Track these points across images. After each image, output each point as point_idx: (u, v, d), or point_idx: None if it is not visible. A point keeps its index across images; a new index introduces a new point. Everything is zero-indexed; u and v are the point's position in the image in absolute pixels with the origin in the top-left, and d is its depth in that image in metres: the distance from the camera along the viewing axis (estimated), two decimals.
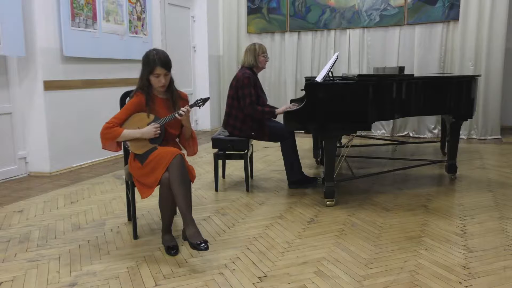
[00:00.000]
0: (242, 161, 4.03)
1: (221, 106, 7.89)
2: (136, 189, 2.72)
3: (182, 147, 2.87)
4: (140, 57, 2.70)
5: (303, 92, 3.83)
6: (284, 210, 3.36)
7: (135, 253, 2.61)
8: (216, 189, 3.92)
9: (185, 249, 2.63)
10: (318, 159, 4.92)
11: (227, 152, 3.88)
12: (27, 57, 4.38)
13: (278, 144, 3.92)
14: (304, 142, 5.89)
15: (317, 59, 7.28)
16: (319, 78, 3.75)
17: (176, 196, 2.47)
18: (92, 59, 5.03)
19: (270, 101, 4.08)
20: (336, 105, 3.32)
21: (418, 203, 3.45)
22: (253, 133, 3.83)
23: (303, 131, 3.61)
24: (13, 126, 4.46)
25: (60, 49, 4.61)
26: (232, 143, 3.81)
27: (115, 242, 2.78)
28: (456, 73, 6.25)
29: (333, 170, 3.41)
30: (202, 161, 5.21)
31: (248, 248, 2.64)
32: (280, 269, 2.36)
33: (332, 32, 7.07)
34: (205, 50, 7.59)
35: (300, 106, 3.42)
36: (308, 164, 4.89)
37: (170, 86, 2.74)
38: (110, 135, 2.63)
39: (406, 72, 4.36)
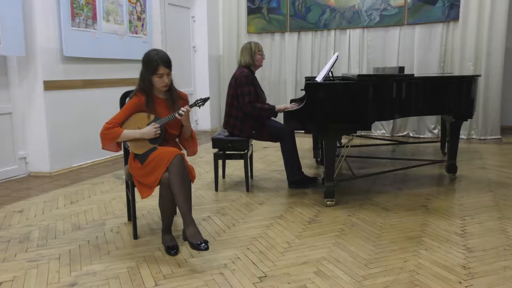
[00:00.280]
0: (242, 161, 4.03)
1: (221, 106, 7.89)
2: (136, 189, 2.72)
3: (182, 147, 2.87)
4: (140, 57, 2.70)
5: (303, 92, 3.83)
6: (284, 210, 3.36)
7: (135, 253, 2.61)
8: (216, 189, 3.92)
9: (185, 249, 2.63)
10: (318, 159, 4.92)
11: (227, 152, 3.88)
12: (27, 57, 4.38)
13: (278, 144, 3.92)
14: (304, 142, 5.89)
15: (317, 59, 7.28)
16: (319, 78, 3.75)
17: (176, 196, 2.47)
18: (92, 59, 5.03)
19: (270, 101, 4.08)
20: (336, 105, 3.32)
21: (418, 203, 3.45)
22: (253, 132, 3.83)
23: (303, 131, 3.61)
24: (13, 126, 4.46)
25: (60, 49, 4.61)
26: (232, 143, 3.81)
27: (115, 242, 2.78)
28: (456, 73, 6.25)
29: (333, 170, 3.41)
30: (202, 161, 5.21)
31: (248, 248, 2.64)
32: (280, 269, 2.36)
33: (332, 32, 7.07)
34: (205, 50, 7.59)
35: (300, 106, 3.42)
36: (308, 164, 4.89)
37: (170, 85, 2.74)
38: (110, 136, 2.63)
39: (406, 72, 4.37)
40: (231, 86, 3.88)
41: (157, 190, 2.58)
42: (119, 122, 2.66)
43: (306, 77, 5.28)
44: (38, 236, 2.90)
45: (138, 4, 5.68)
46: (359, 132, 6.39)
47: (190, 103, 2.74)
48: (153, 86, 2.69)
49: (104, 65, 5.24)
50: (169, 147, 2.65)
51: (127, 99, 2.82)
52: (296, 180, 3.93)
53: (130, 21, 5.53)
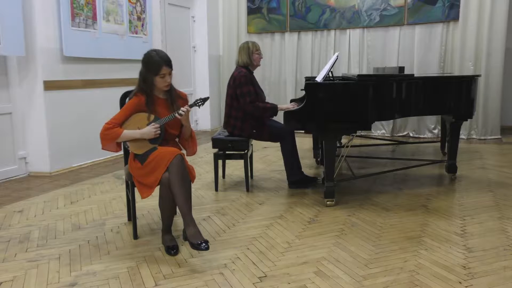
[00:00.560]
0: (242, 161, 4.03)
1: (221, 106, 7.89)
2: (136, 189, 2.72)
3: (181, 147, 2.87)
4: (140, 57, 2.70)
5: (303, 92, 3.83)
6: (284, 210, 3.36)
7: (135, 253, 2.61)
8: (216, 189, 3.92)
9: (185, 249, 2.63)
10: (318, 159, 4.92)
11: (227, 152, 3.88)
12: (27, 57, 4.38)
13: (278, 144, 3.92)
14: (304, 142, 5.89)
15: (317, 59, 7.27)
16: (319, 78, 3.75)
17: (176, 196, 2.47)
18: (92, 59, 5.03)
19: (270, 101, 4.07)
20: (336, 105, 3.32)
21: (418, 203, 3.45)
22: (254, 131, 3.83)
23: (303, 131, 3.61)
24: (13, 126, 4.46)
25: (60, 49, 4.61)
26: (232, 143, 3.81)
27: (115, 242, 2.78)
28: (456, 73, 6.25)
29: (333, 170, 3.41)
30: (202, 161, 5.21)
31: (248, 248, 2.64)
32: (280, 269, 2.36)
33: (332, 32, 7.07)
34: (205, 50, 7.59)
35: (300, 106, 3.42)
36: (308, 164, 4.89)
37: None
38: (110, 136, 2.64)
39: (406, 72, 4.37)
40: (230, 87, 3.88)
41: (157, 190, 2.58)
42: (119, 123, 2.66)
43: (306, 77, 5.28)
44: (38, 236, 2.90)
45: (138, 4, 5.68)
46: (359, 132, 6.39)
47: (189, 103, 2.74)
48: (154, 86, 2.69)
49: (104, 65, 5.24)
50: (169, 147, 2.65)
51: (127, 99, 2.82)
52: (296, 180, 3.93)
53: (130, 21, 5.53)
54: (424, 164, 4.53)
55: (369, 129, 3.42)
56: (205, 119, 7.75)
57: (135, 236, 2.83)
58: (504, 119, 6.78)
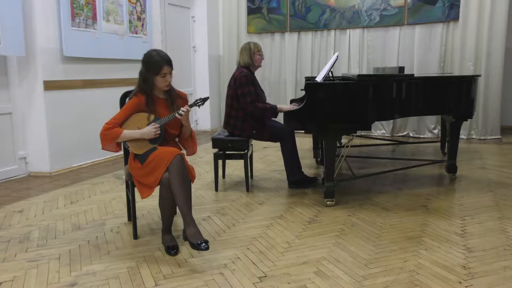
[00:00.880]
0: (242, 161, 4.03)
1: (221, 106, 7.89)
2: (136, 189, 2.72)
3: (181, 147, 2.87)
4: (140, 57, 2.70)
5: (303, 92, 3.83)
6: (284, 210, 3.36)
7: (135, 253, 2.61)
8: (216, 189, 3.92)
9: (185, 249, 2.63)
10: (318, 159, 4.92)
11: (227, 152, 3.88)
12: (27, 57, 4.38)
13: (278, 144, 3.92)
14: (304, 142, 5.89)
15: (317, 59, 7.27)
16: (319, 78, 3.75)
17: (176, 196, 2.47)
18: (92, 59, 5.03)
19: (270, 101, 4.08)
20: (336, 105, 3.32)
21: (418, 203, 3.45)
22: (254, 131, 3.83)
23: (303, 131, 3.61)
24: (13, 126, 4.46)
25: (60, 49, 4.61)
26: (232, 143, 3.81)
27: (115, 242, 2.78)
28: (456, 73, 6.25)
29: (333, 170, 3.41)
30: (202, 161, 5.21)
31: (248, 248, 2.64)
32: (280, 269, 2.36)
33: (332, 32, 7.07)
34: (205, 50, 7.59)
35: (300, 106, 3.42)
36: (308, 164, 4.89)
37: None
38: (110, 136, 2.64)
39: (406, 72, 4.37)
40: (230, 87, 3.88)
41: (157, 190, 2.58)
42: (119, 123, 2.66)
43: (306, 77, 5.28)
44: (38, 236, 2.90)
45: (138, 4, 5.68)
46: (359, 132, 6.40)
47: (189, 103, 2.74)
48: (155, 86, 2.69)
49: (104, 65, 5.24)
50: (169, 147, 2.65)
51: (127, 99, 2.82)
52: (296, 180, 3.93)
53: (130, 21, 5.53)
54: (424, 164, 4.53)
55: (369, 129, 3.42)
56: (205, 119, 7.75)
57: (135, 236, 2.83)
58: (504, 119, 6.78)
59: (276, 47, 7.50)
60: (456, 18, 6.33)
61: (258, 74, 4.06)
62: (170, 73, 2.67)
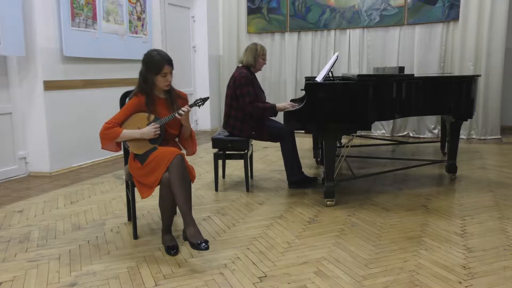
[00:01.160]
0: (242, 161, 4.03)
1: (221, 106, 7.89)
2: (136, 189, 2.72)
3: (181, 147, 2.87)
4: (140, 57, 2.70)
5: (303, 92, 3.83)
6: (284, 210, 3.36)
7: (135, 253, 2.61)
8: (216, 189, 3.92)
9: (185, 249, 2.63)
10: (318, 159, 4.92)
11: (227, 152, 3.88)
12: (27, 57, 4.38)
13: (278, 144, 3.92)
14: (304, 142, 5.89)
15: (317, 59, 7.27)
16: (319, 78, 3.75)
17: (176, 196, 2.47)
18: (92, 59, 5.03)
19: (270, 101, 4.07)
20: (336, 105, 3.32)
21: (418, 203, 3.45)
22: (253, 132, 3.83)
23: (303, 131, 3.61)
24: (13, 126, 4.46)
25: (60, 49, 4.61)
26: (232, 143, 3.81)
27: (115, 242, 2.78)
28: (456, 73, 6.25)
29: (333, 170, 3.41)
30: (202, 161, 5.21)
31: (248, 248, 2.64)
32: (280, 269, 2.36)
33: (332, 32, 7.07)
34: (205, 50, 7.59)
35: (300, 106, 3.42)
36: (308, 164, 4.89)
37: None
38: (109, 135, 2.64)
39: (406, 72, 4.37)
40: (229, 87, 3.88)
41: (157, 190, 2.58)
42: (119, 122, 2.66)
43: (306, 77, 5.28)
44: (38, 236, 2.90)
45: (138, 4, 5.68)
46: (359, 132, 6.40)
47: (190, 103, 2.74)
48: (155, 86, 2.70)
49: (104, 65, 5.24)
50: (169, 147, 2.65)
51: (127, 99, 2.82)
52: (296, 180, 3.93)
53: (130, 21, 5.53)
54: (424, 164, 4.53)
55: (369, 129, 3.42)
56: (205, 119, 7.75)
57: (135, 236, 2.83)
58: (504, 119, 6.78)
59: (276, 47, 7.50)
60: (456, 18, 6.33)
61: (258, 74, 4.06)
62: (171, 73, 2.67)
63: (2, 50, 4.08)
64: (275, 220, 3.13)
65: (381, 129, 6.96)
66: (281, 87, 7.55)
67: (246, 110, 3.78)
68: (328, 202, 3.42)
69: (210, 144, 4.40)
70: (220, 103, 7.90)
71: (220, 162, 4.08)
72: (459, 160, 4.26)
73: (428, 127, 6.71)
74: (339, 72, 6.62)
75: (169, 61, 2.64)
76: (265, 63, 3.99)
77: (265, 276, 2.29)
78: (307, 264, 2.42)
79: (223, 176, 4.36)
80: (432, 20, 6.48)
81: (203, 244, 2.36)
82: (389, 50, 6.82)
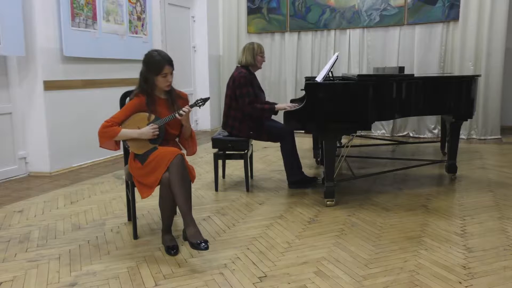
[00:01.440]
0: (242, 161, 4.03)
1: (221, 106, 7.88)
2: (136, 189, 2.72)
3: (182, 147, 2.87)
4: (140, 57, 2.70)
5: (303, 92, 3.83)
6: (284, 210, 3.36)
7: (135, 253, 2.61)
8: (216, 189, 3.92)
9: (185, 249, 2.63)
10: (318, 159, 4.92)
11: (227, 152, 3.88)
12: (27, 57, 4.38)
13: (278, 144, 3.92)
14: (304, 142, 5.89)
15: (317, 59, 7.27)
16: (319, 78, 3.75)
17: (176, 196, 2.47)
18: (92, 59, 5.03)
19: (270, 101, 4.07)
20: (336, 105, 3.32)
21: (418, 203, 3.45)
22: (251, 132, 3.83)
23: (303, 131, 3.61)
24: (13, 126, 4.46)
25: (60, 49, 4.61)
26: (232, 143, 3.81)
27: (115, 242, 2.78)
28: (456, 73, 6.25)
29: (333, 170, 3.41)
30: (202, 161, 5.21)
31: (248, 248, 2.64)
32: (280, 269, 2.36)
33: (332, 32, 7.07)
34: (205, 50, 7.59)
35: (300, 106, 3.42)
36: (308, 164, 4.89)
37: None
38: (108, 134, 2.64)
39: (406, 72, 4.37)
40: (229, 87, 3.88)
41: (157, 190, 2.58)
42: (118, 121, 2.67)
43: (306, 77, 5.28)
44: (38, 236, 2.90)
45: (138, 4, 5.68)
46: (359, 132, 6.40)
47: (190, 103, 2.75)
48: (155, 86, 2.70)
49: (104, 65, 5.24)
50: (169, 147, 2.66)
51: (127, 99, 2.82)
52: (296, 180, 3.93)
53: (130, 21, 5.53)
54: (424, 164, 4.53)
55: (369, 129, 3.42)
56: (205, 119, 7.75)
57: (135, 236, 2.83)
58: (504, 119, 6.78)
59: (276, 47, 7.50)
60: (456, 18, 6.33)
61: (258, 74, 4.06)
62: (171, 73, 2.68)
63: (2, 50, 4.08)
64: (275, 220, 3.13)
65: (381, 129, 6.96)
66: (281, 87, 7.55)
67: (245, 111, 3.78)
68: (328, 202, 3.42)
69: (210, 144, 4.40)
70: (220, 103, 7.90)
71: (220, 162, 4.08)
72: (459, 160, 4.26)
73: (428, 127, 6.71)
74: (339, 72, 6.62)
75: (169, 62, 2.64)
76: (264, 61, 3.99)
77: (265, 276, 2.29)
78: (307, 264, 2.42)
79: (223, 176, 4.36)
80: (432, 20, 6.48)
81: (203, 244, 2.36)
82: (389, 50, 6.82)
